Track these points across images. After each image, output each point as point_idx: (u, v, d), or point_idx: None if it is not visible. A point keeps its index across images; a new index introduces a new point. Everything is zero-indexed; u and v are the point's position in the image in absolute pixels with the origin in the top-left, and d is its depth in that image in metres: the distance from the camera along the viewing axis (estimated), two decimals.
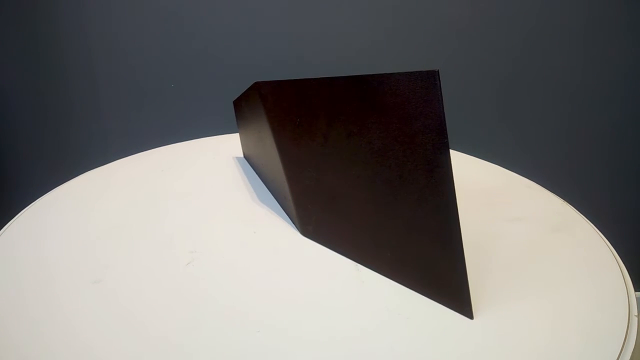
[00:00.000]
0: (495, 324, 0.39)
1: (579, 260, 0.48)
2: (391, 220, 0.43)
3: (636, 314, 0.40)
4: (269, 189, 0.62)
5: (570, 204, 0.59)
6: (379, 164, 0.42)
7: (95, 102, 0.98)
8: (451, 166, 0.37)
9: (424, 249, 0.41)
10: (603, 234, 0.52)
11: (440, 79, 0.36)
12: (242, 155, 0.74)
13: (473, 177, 0.67)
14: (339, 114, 0.44)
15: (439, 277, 0.41)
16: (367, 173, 0.44)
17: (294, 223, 0.54)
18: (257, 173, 0.67)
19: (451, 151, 0.37)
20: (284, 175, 0.52)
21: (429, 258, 0.41)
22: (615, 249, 0.49)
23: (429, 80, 0.36)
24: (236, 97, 0.64)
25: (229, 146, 0.77)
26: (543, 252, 0.49)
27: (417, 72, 0.37)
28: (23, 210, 0.58)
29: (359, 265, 0.47)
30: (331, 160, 0.47)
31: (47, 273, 0.46)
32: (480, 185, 0.64)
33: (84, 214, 0.57)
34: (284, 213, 0.57)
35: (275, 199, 0.60)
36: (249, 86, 0.55)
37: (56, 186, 0.64)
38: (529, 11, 0.91)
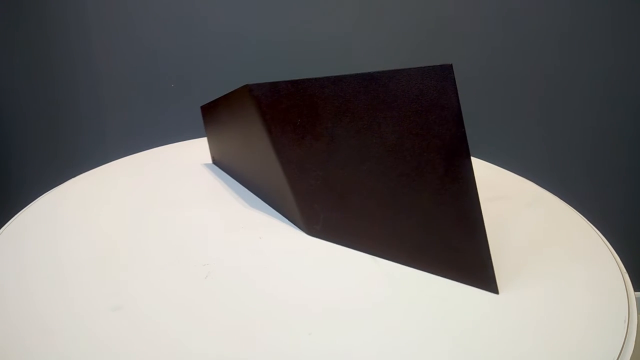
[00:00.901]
0: (518, 298, 0.42)
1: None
2: (409, 210, 0.45)
3: (636, 314, 0.40)
4: (256, 193, 0.61)
5: (570, 204, 0.59)
6: (394, 157, 0.44)
7: (95, 102, 0.98)
8: (469, 153, 0.40)
9: (445, 233, 0.43)
10: (603, 234, 0.52)
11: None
12: (210, 162, 0.72)
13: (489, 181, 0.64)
14: (346, 111, 0.45)
15: (462, 259, 0.43)
16: (380, 167, 0.45)
17: (296, 224, 0.54)
18: (236, 179, 0.66)
19: None
20: (284, 178, 0.51)
21: (451, 242, 0.43)
22: (615, 249, 0.49)
23: (444, 74, 0.39)
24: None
25: (195, 152, 0.74)
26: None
27: (430, 66, 0.39)
28: (22, 211, 0.58)
29: (375, 257, 0.48)
30: (338, 158, 0.47)
31: (58, 293, 0.42)
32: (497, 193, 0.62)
33: (82, 223, 0.54)
34: (281, 216, 0.56)
35: (268, 202, 0.59)
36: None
37: (56, 186, 0.64)
38: (529, 11, 0.91)
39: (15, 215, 0.56)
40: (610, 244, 0.50)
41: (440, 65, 0.39)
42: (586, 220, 0.55)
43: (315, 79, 0.46)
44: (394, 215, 0.46)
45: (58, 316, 0.39)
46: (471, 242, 0.42)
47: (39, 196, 0.61)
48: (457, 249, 0.43)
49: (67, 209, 0.58)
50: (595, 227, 0.54)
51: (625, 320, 0.39)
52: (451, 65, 0.38)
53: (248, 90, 0.50)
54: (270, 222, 0.55)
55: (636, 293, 0.43)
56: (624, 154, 1.02)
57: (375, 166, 0.45)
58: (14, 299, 0.42)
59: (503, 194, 0.62)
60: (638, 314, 0.40)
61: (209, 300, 0.42)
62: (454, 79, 0.38)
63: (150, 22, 0.92)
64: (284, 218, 0.56)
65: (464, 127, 0.39)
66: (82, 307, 0.41)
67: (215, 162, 0.71)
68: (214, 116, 0.65)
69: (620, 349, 0.36)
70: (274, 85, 0.48)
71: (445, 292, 0.43)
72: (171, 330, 0.38)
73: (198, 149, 0.75)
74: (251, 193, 0.62)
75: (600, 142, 1.01)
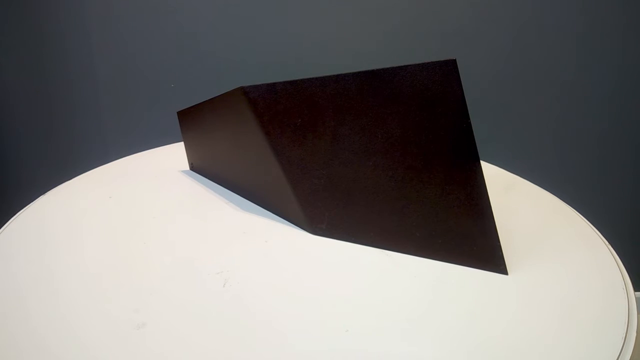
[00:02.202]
0: (526, 278, 0.45)
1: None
2: (418, 201, 0.46)
3: (636, 314, 0.40)
4: (248, 198, 0.60)
5: (570, 204, 0.59)
6: (400, 151, 0.45)
7: (95, 102, 0.98)
8: (475, 144, 0.42)
9: (454, 221, 0.45)
10: (602, 234, 0.52)
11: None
12: (187, 168, 0.70)
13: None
14: (349, 109, 0.46)
15: (472, 244, 0.45)
16: (386, 162, 0.46)
17: (298, 225, 0.53)
18: (223, 184, 0.64)
19: None
20: (285, 179, 0.51)
21: (460, 229, 0.45)
22: (615, 249, 0.49)
23: (448, 68, 0.41)
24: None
25: (170, 159, 0.72)
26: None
27: (434, 62, 0.41)
28: (22, 211, 0.57)
29: (385, 251, 0.49)
30: (343, 156, 0.48)
31: (76, 312, 0.40)
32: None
33: (74, 237, 0.52)
34: (280, 218, 0.56)
35: (263, 206, 0.58)
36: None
37: (56, 186, 0.64)
38: (531, 11, 0.91)
39: (12, 218, 0.56)
40: (610, 244, 0.50)
41: (445, 61, 0.40)
42: (586, 220, 0.55)
43: (316, 79, 0.46)
44: (403, 208, 0.47)
45: (88, 336, 0.37)
46: (480, 227, 0.44)
47: (38, 196, 0.61)
48: (467, 235, 0.45)
49: (53, 222, 0.55)
50: (595, 227, 0.54)
51: (625, 320, 0.39)
52: (455, 60, 0.40)
53: (243, 93, 0.49)
54: (270, 225, 0.54)
55: (636, 293, 0.43)
56: (624, 154, 1.02)
57: (381, 161, 0.46)
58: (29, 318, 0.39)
59: (501, 192, 0.62)
60: (638, 314, 0.40)
61: (236, 308, 0.41)
62: (458, 73, 0.40)
63: (151, 22, 0.92)
64: (284, 220, 0.55)
65: (469, 119, 0.41)
66: (107, 326, 0.38)
67: (195, 168, 0.69)
68: (196, 121, 0.63)
69: (620, 349, 0.36)
70: (271, 87, 0.48)
71: (460, 277, 0.45)
72: (206, 343, 0.37)
73: (173, 155, 0.73)
74: (241, 198, 0.60)
75: (600, 142, 1.01)
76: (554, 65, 0.95)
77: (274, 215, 0.56)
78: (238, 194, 0.61)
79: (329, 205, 0.50)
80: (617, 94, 0.97)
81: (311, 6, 0.91)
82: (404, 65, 0.42)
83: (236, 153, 0.58)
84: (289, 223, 0.54)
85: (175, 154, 0.73)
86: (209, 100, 0.57)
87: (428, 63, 0.41)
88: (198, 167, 0.68)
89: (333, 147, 0.48)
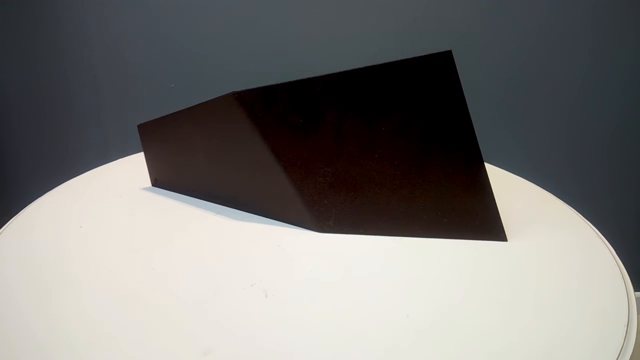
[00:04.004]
0: (524, 243, 0.50)
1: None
2: (423, 186, 0.49)
3: (636, 314, 0.40)
4: (237, 207, 0.57)
5: (570, 205, 0.59)
6: (402, 140, 0.48)
7: (95, 102, 0.98)
8: (473, 126, 0.45)
9: (457, 199, 0.49)
10: (603, 234, 0.52)
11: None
12: (148, 185, 0.64)
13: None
14: (351, 106, 0.47)
15: (475, 218, 0.49)
16: (389, 152, 0.48)
17: (302, 225, 0.53)
18: (203, 197, 0.60)
19: None
20: (288, 181, 0.51)
21: (463, 206, 0.49)
22: (615, 249, 0.49)
23: (445, 59, 0.44)
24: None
25: (123, 176, 0.67)
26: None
27: (430, 54, 0.44)
28: (21, 211, 0.57)
29: (395, 237, 0.51)
30: (348, 151, 0.49)
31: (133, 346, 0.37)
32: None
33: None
34: (280, 222, 0.55)
35: (257, 213, 0.56)
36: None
37: (56, 186, 0.64)
38: (531, 11, 0.91)
39: (11, 219, 0.55)
40: (610, 244, 0.50)
41: (441, 52, 0.43)
42: (586, 220, 0.55)
43: (315, 78, 0.47)
44: (409, 194, 0.49)
45: None
46: (481, 202, 0.48)
47: (38, 196, 0.61)
48: (470, 211, 0.49)
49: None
50: (595, 227, 0.54)
51: (625, 321, 0.39)
52: (450, 51, 0.43)
53: (235, 98, 0.49)
54: (273, 230, 0.53)
55: (636, 293, 0.43)
56: (624, 154, 1.02)
57: (386, 152, 0.48)
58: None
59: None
60: (638, 314, 0.40)
61: (296, 317, 0.40)
62: (454, 63, 0.43)
63: (151, 22, 0.92)
64: (284, 223, 0.54)
65: (466, 105, 0.45)
66: (173, 356, 0.36)
67: (161, 184, 0.63)
68: (166, 133, 0.59)
69: (620, 349, 0.36)
70: (267, 90, 0.48)
71: (465, 250, 0.49)
72: (294, 350, 0.37)
73: (127, 171, 0.68)
74: (229, 208, 0.58)
75: (600, 142, 1.01)
76: (559, 65, 0.95)
77: (272, 220, 0.55)
78: (225, 205, 0.58)
79: (336, 202, 0.51)
80: (619, 92, 0.97)
81: (307, 6, 0.91)
82: (403, 59, 0.44)
83: (225, 162, 0.55)
84: (290, 226, 0.54)
85: (130, 169, 0.68)
86: (187, 109, 0.54)
87: (424, 56, 0.44)
88: (166, 182, 0.63)
89: (337, 144, 0.49)
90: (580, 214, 0.57)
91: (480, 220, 0.49)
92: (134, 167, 0.68)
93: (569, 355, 0.36)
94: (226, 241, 0.52)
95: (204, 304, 0.42)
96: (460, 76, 0.44)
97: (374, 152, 0.49)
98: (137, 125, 0.61)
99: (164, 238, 0.52)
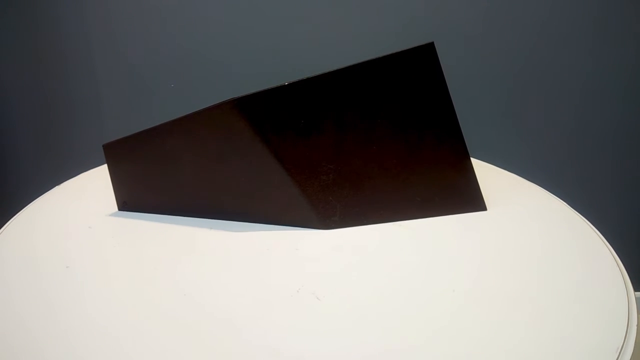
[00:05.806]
0: (502, 211, 0.56)
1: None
2: (417, 172, 0.53)
3: (636, 314, 0.40)
4: (230, 218, 0.55)
5: (569, 204, 0.59)
6: (396, 132, 0.51)
7: (95, 102, 0.98)
8: (455, 113, 0.51)
9: (446, 179, 0.54)
10: (603, 234, 0.52)
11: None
12: (114, 210, 0.58)
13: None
14: (349, 102, 0.50)
15: (460, 194, 0.55)
16: (386, 144, 0.52)
17: (306, 225, 0.53)
18: (188, 214, 0.56)
19: None
20: (293, 184, 0.51)
21: (449, 185, 0.54)
22: (615, 249, 0.49)
23: (428, 52, 0.49)
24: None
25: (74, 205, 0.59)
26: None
27: (414, 48, 0.48)
28: (21, 211, 0.57)
29: (395, 222, 0.54)
30: (349, 147, 0.51)
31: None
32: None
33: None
34: (279, 226, 0.54)
35: (254, 220, 0.54)
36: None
37: (55, 186, 0.64)
38: (532, 11, 0.91)
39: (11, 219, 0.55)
40: (610, 244, 0.50)
41: (424, 45, 0.48)
42: (586, 220, 0.55)
43: (313, 77, 0.48)
44: (404, 180, 0.53)
45: None
46: (465, 179, 0.54)
47: (38, 196, 0.61)
48: (456, 188, 0.54)
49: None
50: (595, 227, 0.54)
51: (625, 321, 0.39)
52: (432, 43, 0.48)
53: (234, 106, 0.47)
54: (280, 235, 0.52)
55: (636, 293, 0.44)
56: (623, 154, 1.02)
57: (382, 143, 0.51)
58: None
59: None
60: (638, 314, 0.40)
61: (361, 317, 0.40)
62: (437, 55, 0.48)
63: (150, 22, 0.92)
64: (284, 227, 0.54)
65: (450, 96, 0.50)
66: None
67: (131, 206, 0.57)
68: (141, 151, 0.54)
69: (620, 349, 0.36)
70: (270, 93, 0.48)
71: (452, 223, 0.54)
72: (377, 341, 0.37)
73: (79, 196, 0.61)
74: (220, 220, 0.55)
75: (600, 142, 1.01)
76: (557, 64, 0.95)
77: (270, 226, 0.54)
78: (216, 218, 0.55)
79: (340, 197, 0.52)
80: (619, 93, 0.97)
81: (307, 6, 0.91)
82: (390, 54, 0.48)
83: (219, 173, 0.53)
84: (292, 228, 0.54)
85: (82, 192, 0.62)
86: (175, 120, 0.51)
87: (409, 50, 0.48)
88: (138, 203, 0.57)
89: (338, 140, 0.51)
90: (580, 214, 0.57)
91: (465, 195, 0.55)
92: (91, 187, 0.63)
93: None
94: (240, 253, 0.49)
95: (259, 320, 0.40)
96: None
97: (374, 144, 0.51)
98: (103, 145, 0.55)
99: (170, 262, 0.48)
